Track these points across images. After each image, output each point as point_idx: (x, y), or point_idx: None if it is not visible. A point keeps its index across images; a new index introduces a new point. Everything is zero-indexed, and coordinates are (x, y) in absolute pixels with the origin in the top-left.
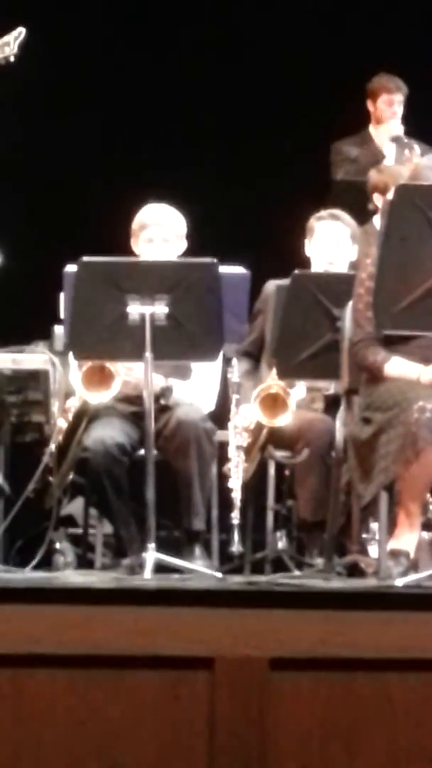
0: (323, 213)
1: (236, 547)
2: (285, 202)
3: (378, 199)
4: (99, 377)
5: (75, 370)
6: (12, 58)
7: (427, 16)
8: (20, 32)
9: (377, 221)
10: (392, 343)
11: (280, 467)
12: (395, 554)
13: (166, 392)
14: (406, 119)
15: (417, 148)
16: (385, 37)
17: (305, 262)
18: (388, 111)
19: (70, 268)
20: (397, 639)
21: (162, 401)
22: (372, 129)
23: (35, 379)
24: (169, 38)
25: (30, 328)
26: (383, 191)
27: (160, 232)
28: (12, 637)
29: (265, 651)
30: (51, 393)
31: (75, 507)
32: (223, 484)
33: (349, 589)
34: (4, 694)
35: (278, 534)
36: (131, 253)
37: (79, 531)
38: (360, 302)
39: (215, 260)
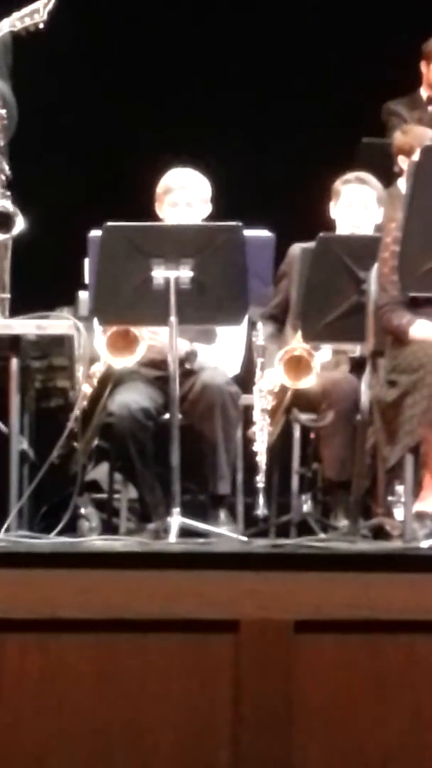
0: (350, 176)
1: (261, 511)
2: (310, 164)
3: (403, 161)
4: (124, 342)
5: (99, 335)
6: (41, 25)
7: None
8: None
9: (402, 184)
10: (417, 306)
11: (305, 430)
12: (421, 516)
13: (190, 356)
14: None
15: None
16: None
17: (330, 225)
18: None
19: (95, 233)
20: (422, 601)
21: (187, 365)
22: (423, 91)
23: (60, 344)
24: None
25: (54, 294)
26: (408, 153)
27: (184, 196)
28: (37, 602)
29: (290, 614)
30: (76, 358)
31: (100, 472)
32: (248, 448)
33: (375, 552)
34: (29, 658)
35: (303, 497)
36: (156, 217)
37: (104, 496)
38: (385, 266)
39: (240, 223)
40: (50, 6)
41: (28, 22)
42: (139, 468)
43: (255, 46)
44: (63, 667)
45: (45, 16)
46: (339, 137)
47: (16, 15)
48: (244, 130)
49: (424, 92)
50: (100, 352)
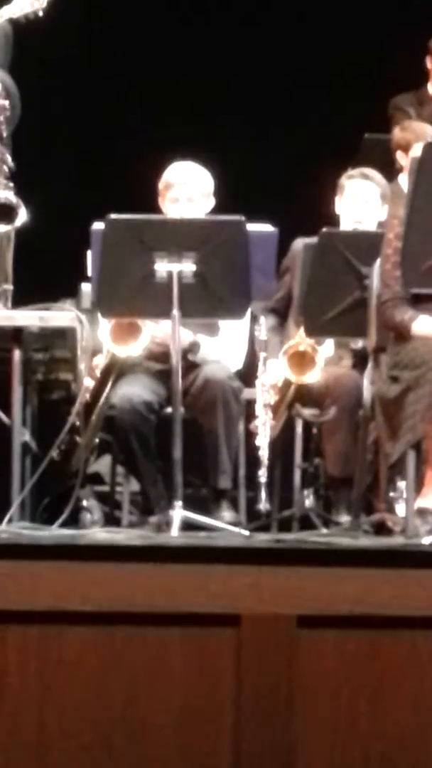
0: (354, 172)
1: (263, 505)
2: (313, 159)
3: (401, 157)
4: (127, 332)
5: (105, 325)
6: (40, 13)
7: None
8: None
9: (403, 180)
10: (420, 302)
11: (307, 425)
12: (422, 512)
13: (193, 347)
14: None
15: None
16: None
17: (333, 220)
18: None
19: (98, 225)
20: (424, 597)
21: (189, 356)
22: (430, 87)
23: (62, 336)
24: None
25: (57, 286)
26: (406, 149)
27: (184, 191)
28: (39, 594)
29: (291, 608)
30: (78, 351)
31: (102, 465)
32: (250, 442)
33: (376, 547)
34: (30, 650)
35: (305, 492)
36: (160, 210)
37: (107, 489)
38: (387, 262)
39: (243, 218)
40: None
41: (27, 9)
42: (141, 461)
43: (257, 39)
44: (64, 659)
45: (44, 4)
46: (342, 132)
47: (16, 2)
48: (247, 124)
49: (431, 88)
50: (104, 342)
